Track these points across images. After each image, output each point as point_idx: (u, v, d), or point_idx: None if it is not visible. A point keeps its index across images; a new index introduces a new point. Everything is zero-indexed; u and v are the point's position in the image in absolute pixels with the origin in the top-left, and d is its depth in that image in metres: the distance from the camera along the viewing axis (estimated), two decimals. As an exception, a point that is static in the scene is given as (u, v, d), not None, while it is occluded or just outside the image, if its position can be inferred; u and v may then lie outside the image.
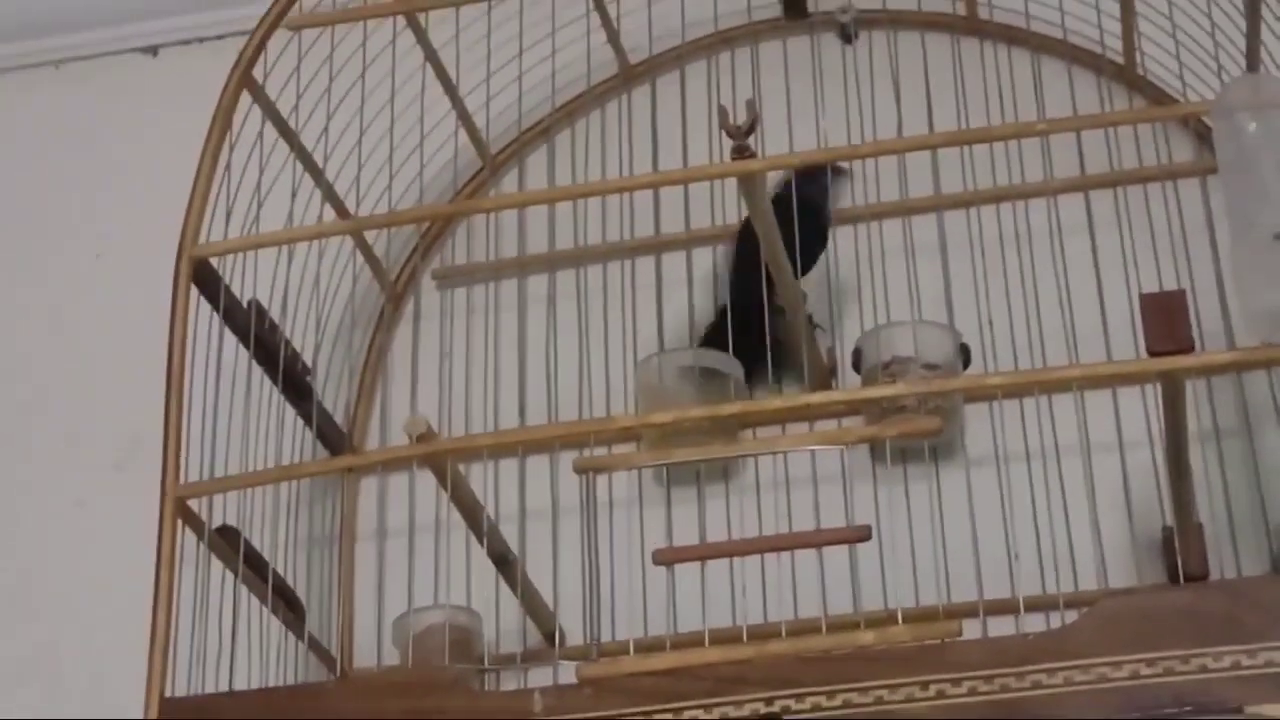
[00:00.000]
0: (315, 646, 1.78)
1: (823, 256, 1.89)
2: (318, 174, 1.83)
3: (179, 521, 1.59)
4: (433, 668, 1.63)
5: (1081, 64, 1.98)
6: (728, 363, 1.85)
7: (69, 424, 2.06)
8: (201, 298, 1.72)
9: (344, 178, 1.90)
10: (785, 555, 1.69)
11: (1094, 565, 1.75)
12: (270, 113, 1.77)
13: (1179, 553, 1.67)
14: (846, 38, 2.00)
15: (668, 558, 1.43)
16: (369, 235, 1.96)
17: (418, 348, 1.96)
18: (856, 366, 1.85)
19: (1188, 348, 1.44)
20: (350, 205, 1.91)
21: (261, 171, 1.78)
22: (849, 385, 1.88)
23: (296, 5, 1.76)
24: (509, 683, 1.80)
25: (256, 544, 1.74)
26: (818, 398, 1.66)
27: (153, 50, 2.26)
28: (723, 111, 1.62)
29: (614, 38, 2.03)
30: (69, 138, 2.21)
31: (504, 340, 1.96)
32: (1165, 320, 1.44)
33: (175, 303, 1.67)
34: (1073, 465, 1.76)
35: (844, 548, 1.67)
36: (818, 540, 1.44)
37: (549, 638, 1.79)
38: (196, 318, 1.72)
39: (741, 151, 1.60)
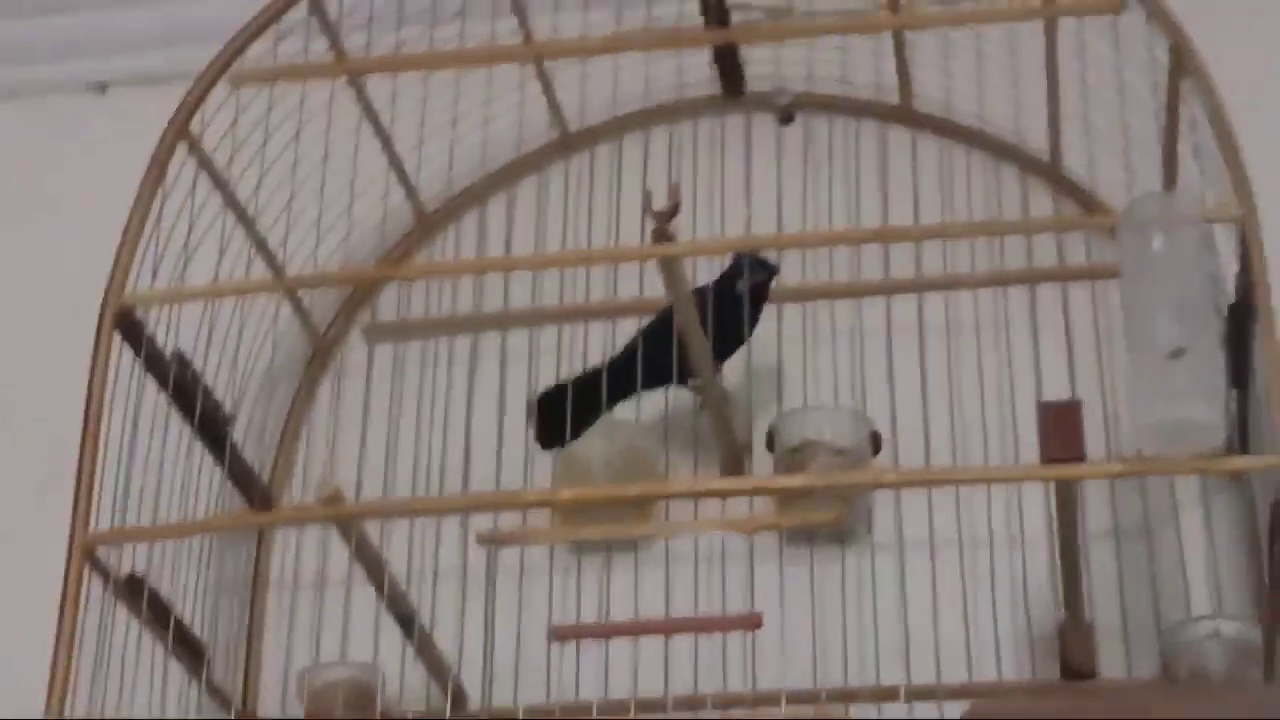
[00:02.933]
0: (216, 693, 1.80)
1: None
2: (250, 226, 1.85)
3: (86, 568, 1.61)
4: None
5: (1006, 157, 2.02)
6: (640, 435, 1.88)
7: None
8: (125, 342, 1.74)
9: (276, 230, 1.92)
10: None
11: (990, 656, 1.79)
12: (206, 165, 1.79)
13: (1066, 649, 1.71)
14: (785, 119, 2.03)
15: (565, 634, 1.46)
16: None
17: (341, 403, 1.99)
18: (770, 446, 1.88)
19: (1079, 456, 1.48)
20: (282, 254, 1.93)
21: (193, 222, 1.80)
22: (768, 461, 1.90)
23: (239, 59, 1.78)
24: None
25: (167, 583, 1.76)
26: (728, 483, 1.69)
27: (101, 87, 2.28)
28: (646, 195, 1.65)
29: (554, 104, 2.06)
30: (11, 170, 2.23)
31: (427, 399, 1.98)
32: (1060, 429, 1.48)
33: (97, 351, 1.68)
34: (976, 556, 1.80)
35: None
36: (710, 626, 1.46)
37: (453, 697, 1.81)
38: (119, 361, 1.74)
39: (661, 235, 1.62)
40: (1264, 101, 1.86)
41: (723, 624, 1.45)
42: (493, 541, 1.51)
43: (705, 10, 1.93)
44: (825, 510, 1.71)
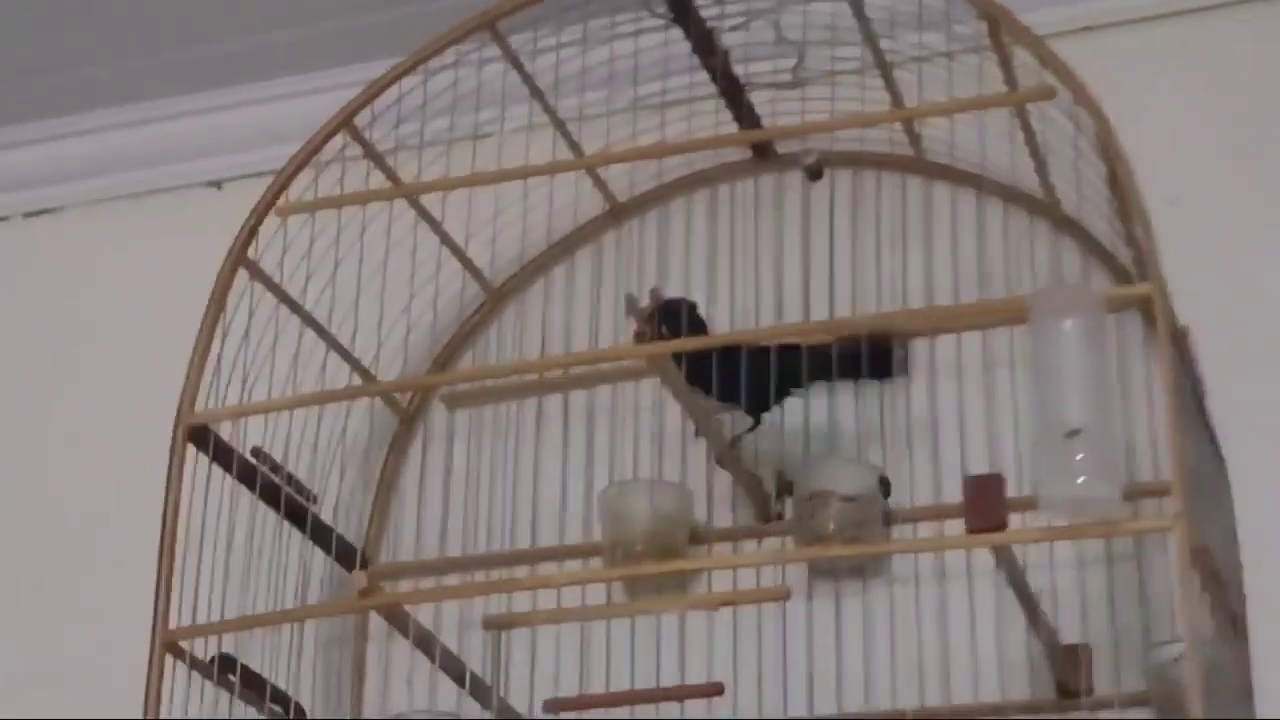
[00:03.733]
0: (319, 748, 2.06)
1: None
2: (323, 332, 2.09)
3: (170, 659, 1.87)
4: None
5: (1012, 201, 2.17)
6: (681, 491, 2.09)
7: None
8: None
9: (345, 333, 2.15)
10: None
11: (995, 677, 1.97)
12: (269, 286, 2.03)
13: (1058, 670, 1.89)
14: (813, 175, 2.21)
15: (556, 707, 1.67)
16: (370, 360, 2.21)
17: (426, 468, 2.24)
18: (789, 491, 2.07)
19: (999, 525, 1.66)
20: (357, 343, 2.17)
21: (259, 338, 2.04)
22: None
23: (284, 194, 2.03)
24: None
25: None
26: (735, 559, 1.92)
27: (217, 184, 2.53)
28: (629, 300, 1.85)
29: (605, 190, 2.25)
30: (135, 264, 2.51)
31: (500, 460, 2.22)
32: (983, 500, 1.66)
33: (171, 463, 1.94)
34: (979, 585, 1.97)
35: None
36: (675, 695, 1.67)
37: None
38: (195, 466, 1.99)
39: (640, 337, 1.83)
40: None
41: (687, 693, 1.65)
42: (497, 626, 1.72)
43: (728, 100, 2.12)
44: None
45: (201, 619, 1.96)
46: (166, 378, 2.25)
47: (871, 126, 2.10)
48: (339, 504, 2.22)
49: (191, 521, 1.99)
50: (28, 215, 2.62)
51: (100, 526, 2.35)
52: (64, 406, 2.49)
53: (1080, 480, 1.62)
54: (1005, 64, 1.90)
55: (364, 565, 2.19)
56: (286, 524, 2.09)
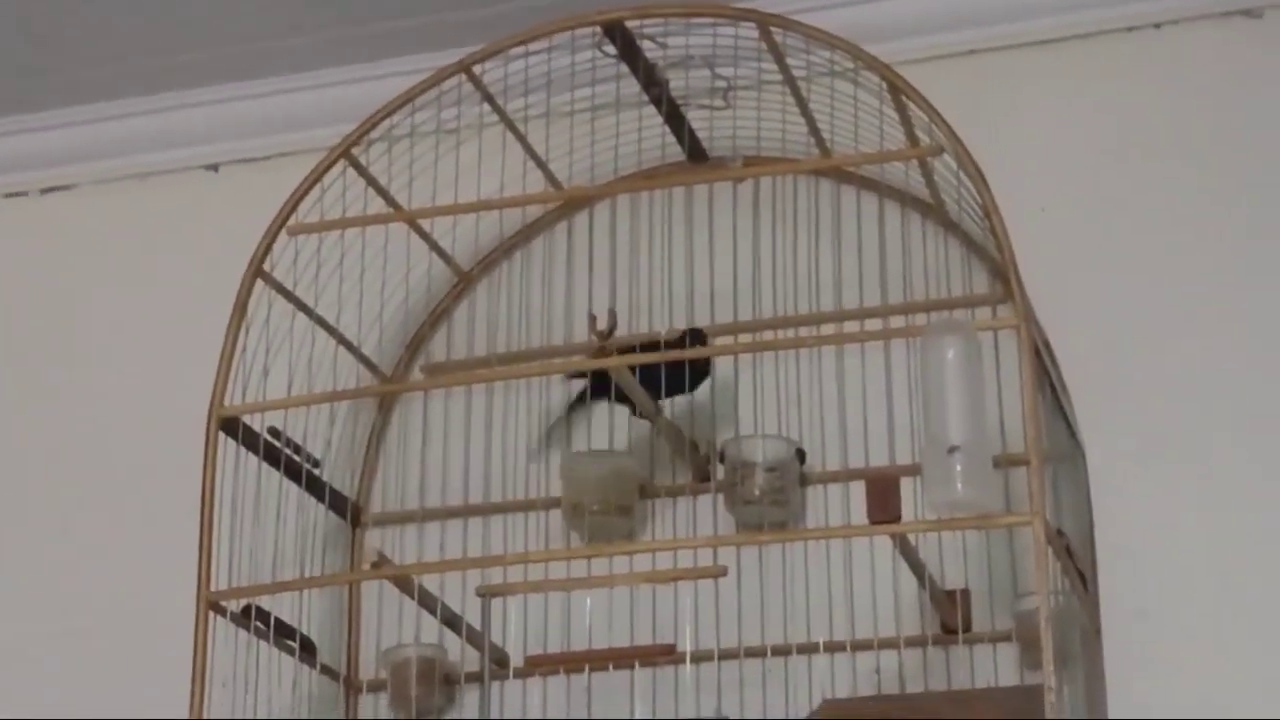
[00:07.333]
0: (327, 670, 2.46)
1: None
2: (331, 329, 2.47)
3: (211, 614, 2.26)
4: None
5: (909, 205, 2.55)
6: (626, 458, 2.49)
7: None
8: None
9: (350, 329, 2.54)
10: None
11: (892, 617, 2.39)
12: (283, 293, 2.40)
13: (943, 612, 2.31)
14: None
15: (536, 662, 2.08)
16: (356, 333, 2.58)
17: (407, 429, 2.62)
18: (721, 458, 2.47)
19: (896, 519, 2.06)
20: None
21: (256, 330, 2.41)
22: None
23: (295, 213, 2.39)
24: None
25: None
26: (668, 541, 2.33)
27: (214, 168, 2.89)
28: (591, 319, 2.23)
29: (552, 179, 2.61)
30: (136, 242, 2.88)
31: (472, 423, 2.60)
32: (882, 495, 2.06)
33: (207, 454, 2.31)
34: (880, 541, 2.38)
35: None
36: (634, 655, 2.08)
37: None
38: (225, 450, 2.37)
39: (601, 351, 2.21)
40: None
41: (642, 653, 2.06)
42: (490, 594, 2.12)
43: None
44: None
45: (226, 574, 2.34)
46: (173, 345, 2.65)
47: (801, 174, 2.46)
48: (334, 461, 2.60)
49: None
50: (44, 191, 2.96)
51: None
52: (74, 370, 2.85)
53: (959, 487, 2.01)
54: (905, 120, 2.27)
55: (357, 515, 2.58)
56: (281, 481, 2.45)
